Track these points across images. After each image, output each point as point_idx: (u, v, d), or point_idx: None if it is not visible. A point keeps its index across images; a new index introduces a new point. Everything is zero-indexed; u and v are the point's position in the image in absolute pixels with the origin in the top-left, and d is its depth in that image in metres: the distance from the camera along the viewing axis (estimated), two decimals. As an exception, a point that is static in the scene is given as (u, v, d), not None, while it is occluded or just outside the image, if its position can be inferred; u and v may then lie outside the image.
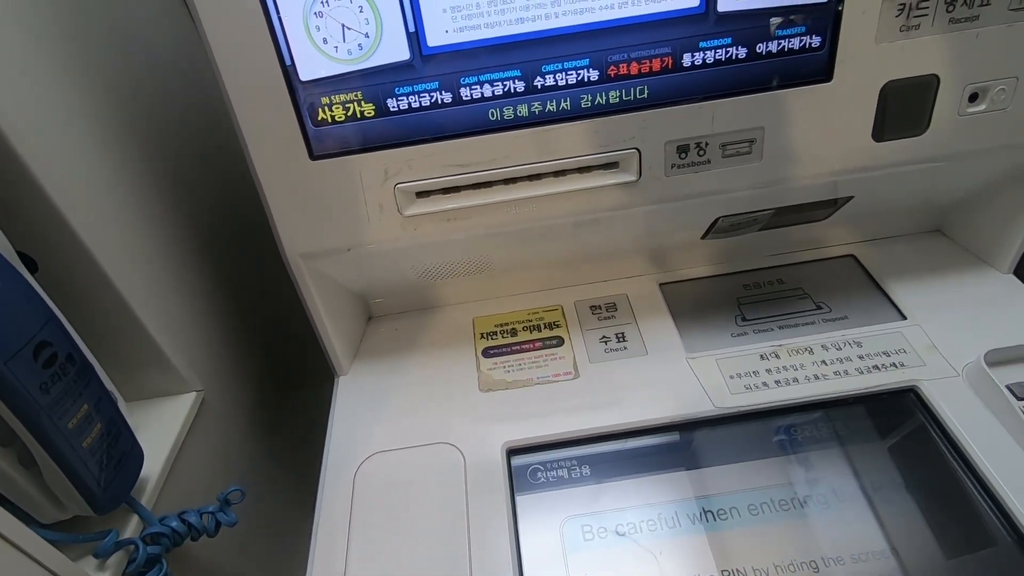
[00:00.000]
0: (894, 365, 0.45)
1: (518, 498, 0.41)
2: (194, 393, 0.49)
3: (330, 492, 0.42)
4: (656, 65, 0.38)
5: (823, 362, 0.46)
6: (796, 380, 0.45)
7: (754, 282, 0.54)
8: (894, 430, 0.44)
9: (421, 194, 0.42)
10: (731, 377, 0.46)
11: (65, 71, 0.40)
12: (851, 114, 0.41)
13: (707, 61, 0.38)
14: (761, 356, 0.47)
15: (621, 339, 0.50)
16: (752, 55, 0.39)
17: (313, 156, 0.40)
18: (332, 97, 0.38)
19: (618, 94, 0.39)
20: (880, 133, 0.42)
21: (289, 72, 0.37)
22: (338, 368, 0.51)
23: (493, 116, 0.39)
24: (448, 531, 0.39)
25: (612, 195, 0.43)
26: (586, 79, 0.38)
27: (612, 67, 0.38)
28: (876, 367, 0.45)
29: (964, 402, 0.42)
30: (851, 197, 0.48)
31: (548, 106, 0.39)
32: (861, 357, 0.46)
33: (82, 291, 0.40)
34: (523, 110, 0.39)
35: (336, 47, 0.36)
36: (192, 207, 0.54)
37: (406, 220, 0.42)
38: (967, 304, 0.49)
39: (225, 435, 0.55)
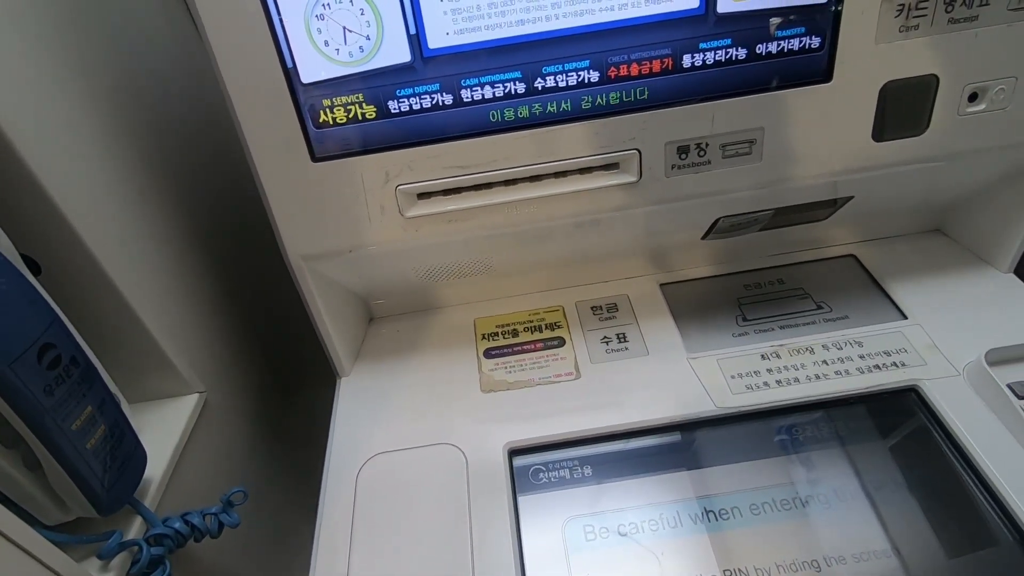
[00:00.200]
0: (895, 365, 0.45)
1: (520, 498, 0.42)
2: (196, 395, 0.49)
3: (332, 493, 0.42)
4: (656, 66, 0.38)
5: (824, 362, 0.46)
6: (797, 380, 0.45)
7: (755, 282, 0.54)
8: (895, 429, 0.44)
9: (422, 195, 0.42)
10: (732, 377, 0.46)
11: (68, 75, 0.40)
12: (851, 114, 0.41)
13: (707, 62, 0.39)
14: (762, 356, 0.47)
15: (622, 339, 0.50)
16: (752, 56, 0.39)
17: (315, 158, 0.40)
18: (333, 99, 0.38)
19: (618, 95, 0.39)
20: (880, 133, 0.42)
21: (290, 74, 0.37)
22: (340, 369, 0.51)
23: (494, 117, 0.39)
24: (450, 532, 0.39)
25: (613, 196, 0.43)
26: (587, 80, 0.39)
27: (612, 68, 0.38)
28: (877, 367, 0.45)
29: (965, 401, 0.42)
30: (851, 197, 0.48)
31: (549, 107, 0.39)
32: (862, 357, 0.46)
33: (85, 293, 0.41)
34: (524, 111, 0.39)
35: (337, 49, 0.37)
36: (193, 210, 0.54)
37: (407, 221, 0.43)
38: (968, 303, 0.49)
39: (227, 437, 0.55)
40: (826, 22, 0.38)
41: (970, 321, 0.47)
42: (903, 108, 0.41)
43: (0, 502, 0.30)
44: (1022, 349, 0.43)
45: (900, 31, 0.38)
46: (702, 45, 0.38)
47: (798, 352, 0.47)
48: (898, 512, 0.40)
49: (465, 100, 0.39)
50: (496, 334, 0.53)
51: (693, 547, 0.39)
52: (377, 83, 0.38)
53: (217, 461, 0.53)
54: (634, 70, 0.39)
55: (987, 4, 0.38)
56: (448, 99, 0.38)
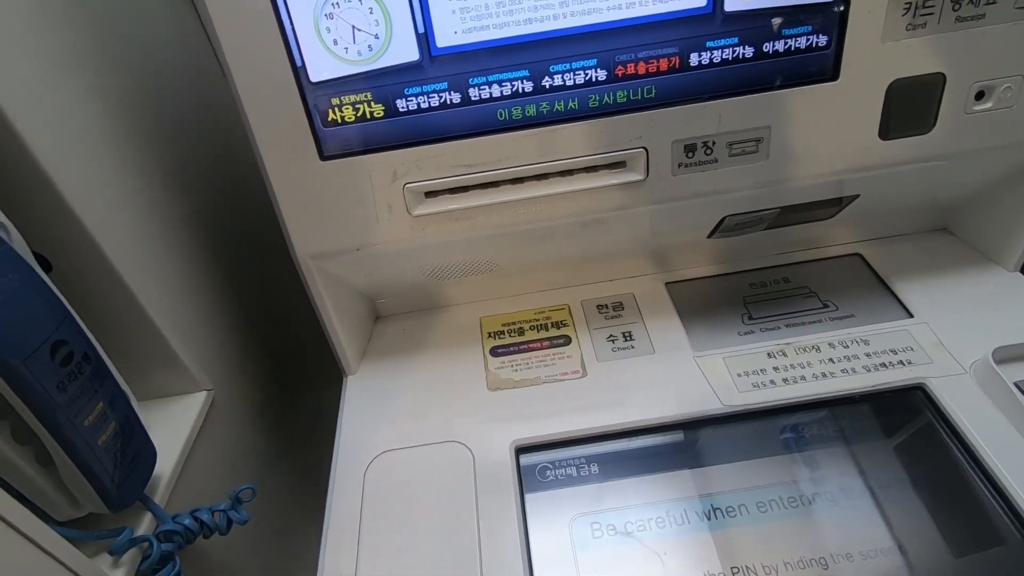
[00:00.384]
0: (901, 363, 0.45)
1: (527, 496, 0.42)
2: (204, 392, 0.49)
3: (340, 490, 0.43)
4: (663, 65, 0.39)
5: (830, 360, 0.46)
6: (804, 378, 0.45)
7: (760, 281, 0.54)
8: (902, 428, 0.44)
9: (430, 194, 0.42)
10: (738, 375, 0.46)
11: (80, 75, 0.41)
12: (857, 113, 0.41)
13: (714, 61, 0.39)
14: (768, 354, 0.47)
15: (628, 338, 0.50)
16: (759, 54, 0.39)
17: (323, 157, 0.40)
18: (342, 98, 0.38)
19: (625, 94, 0.39)
20: (886, 132, 0.42)
21: (299, 73, 0.37)
22: (347, 368, 0.51)
23: (501, 116, 0.39)
24: (458, 529, 0.39)
25: (619, 194, 0.43)
26: (594, 79, 0.39)
27: (620, 67, 0.38)
28: (883, 365, 0.45)
29: (972, 399, 0.42)
30: (857, 196, 0.48)
31: (556, 106, 0.39)
32: (868, 355, 0.46)
33: (95, 291, 0.41)
34: (531, 110, 0.39)
35: (346, 48, 0.37)
36: (202, 209, 0.54)
37: (415, 220, 0.43)
38: (974, 302, 0.49)
39: (235, 434, 0.56)
40: (833, 21, 0.38)
41: (977, 319, 0.47)
42: (910, 106, 0.41)
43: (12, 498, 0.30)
44: (1029, 347, 0.43)
45: (907, 29, 0.38)
46: (709, 44, 0.38)
47: (804, 350, 0.47)
48: (904, 510, 0.40)
49: (473, 99, 0.39)
50: (502, 332, 0.53)
51: (700, 544, 0.39)
52: (385, 82, 0.38)
53: (224, 459, 0.53)
54: (641, 69, 0.39)
55: (994, 2, 0.38)
56: (456, 98, 0.39)
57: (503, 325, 0.53)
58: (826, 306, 0.51)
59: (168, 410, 0.48)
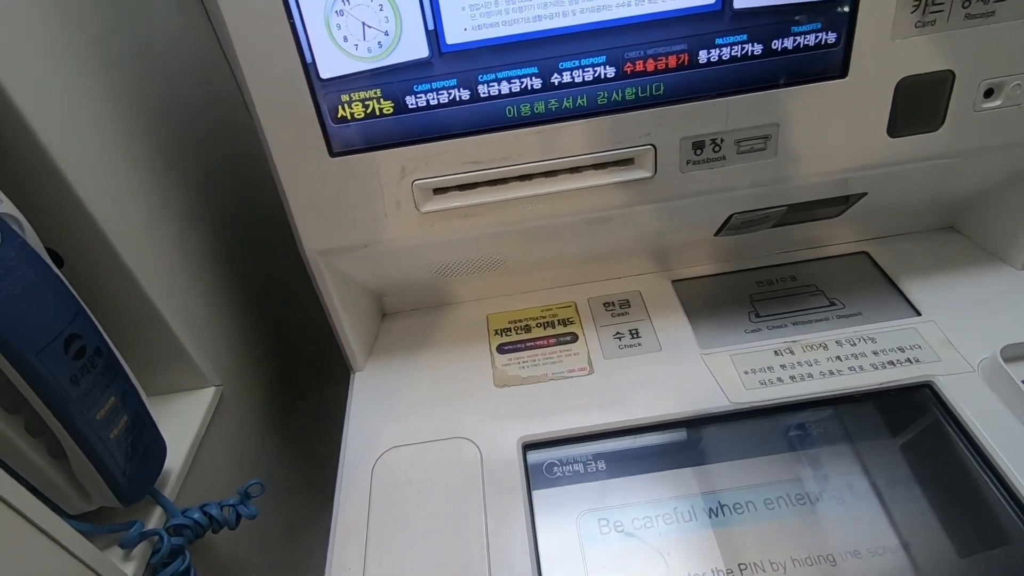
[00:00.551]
0: (909, 361, 0.45)
1: (534, 492, 0.42)
2: (213, 388, 0.50)
3: (348, 485, 0.43)
4: (672, 62, 0.39)
5: (838, 358, 0.46)
6: (811, 376, 0.45)
7: (767, 279, 0.54)
8: (909, 425, 0.44)
9: (438, 191, 0.43)
10: (745, 373, 0.46)
11: (91, 73, 0.41)
12: (866, 110, 0.41)
13: (723, 58, 0.39)
14: (775, 352, 0.47)
15: (635, 335, 0.50)
16: (768, 52, 0.39)
17: (332, 153, 0.40)
18: (351, 95, 0.38)
19: (634, 91, 0.39)
20: (895, 129, 0.42)
21: (309, 70, 0.37)
22: (354, 364, 0.51)
23: (510, 113, 0.40)
24: (466, 524, 0.39)
25: (627, 192, 0.43)
26: (603, 76, 0.39)
27: (628, 64, 0.39)
28: (891, 363, 0.45)
29: (980, 397, 0.42)
30: (864, 193, 0.48)
31: (565, 103, 0.40)
32: (876, 353, 0.46)
33: (105, 287, 0.41)
34: (540, 107, 0.40)
35: (356, 45, 0.37)
36: (211, 208, 0.55)
37: (423, 217, 0.43)
38: (982, 300, 0.49)
39: (243, 430, 0.56)
40: (842, 18, 0.38)
41: (984, 318, 0.47)
42: (918, 104, 0.41)
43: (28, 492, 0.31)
44: (1038, 345, 0.43)
45: (916, 27, 0.38)
46: (718, 41, 0.38)
47: (811, 348, 0.47)
48: (912, 508, 0.40)
49: (482, 96, 0.39)
50: (509, 330, 0.53)
51: (707, 541, 0.39)
52: (395, 78, 0.38)
53: (232, 455, 0.54)
54: (650, 66, 0.39)
55: None
56: (465, 95, 0.39)
57: (510, 322, 0.54)
58: (833, 304, 0.51)
59: (177, 406, 0.48)
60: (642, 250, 0.54)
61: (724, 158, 0.42)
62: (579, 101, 0.40)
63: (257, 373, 0.60)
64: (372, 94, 0.38)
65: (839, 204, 0.49)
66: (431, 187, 0.42)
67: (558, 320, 0.53)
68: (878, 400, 0.44)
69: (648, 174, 0.42)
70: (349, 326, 0.49)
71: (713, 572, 0.37)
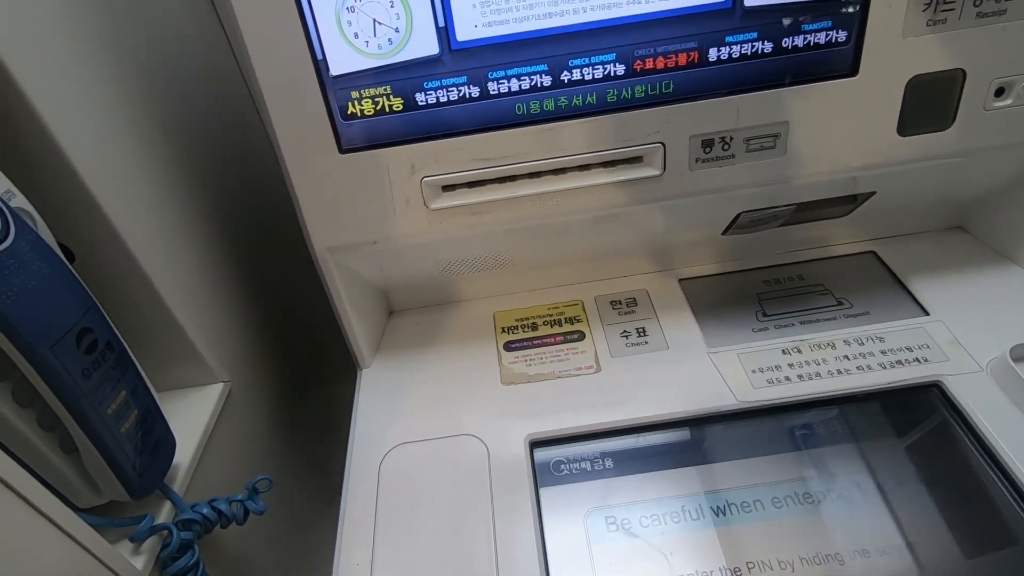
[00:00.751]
0: (917, 360, 0.45)
1: (541, 490, 0.42)
2: (221, 384, 0.50)
3: (356, 482, 0.43)
4: (682, 60, 0.39)
5: (845, 357, 0.46)
6: (819, 375, 0.45)
7: (774, 278, 0.54)
8: (918, 425, 0.44)
9: (447, 188, 0.43)
10: (753, 371, 0.46)
11: (105, 70, 0.41)
12: (876, 109, 0.41)
13: (733, 56, 0.39)
14: (783, 351, 0.47)
15: (642, 334, 0.50)
16: (778, 49, 0.39)
17: (342, 150, 0.40)
18: (361, 91, 0.39)
19: (644, 88, 0.39)
20: (904, 128, 0.42)
21: (320, 67, 0.37)
22: (361, 361, 0.51)
23: (519, 110, 0.40)
24: (473, 522, 0.39)
25: (636, 190, 0.43)
26: (612, 73, 0.39)
27: (638, 62, 0.39)
28: (899, 362, 0.45)
29: (989, 397, 0.42)
30: (873, 192, 0.48)
31: (574, 100, 0.40)
32: (884, 352, 0.46)
33: (116, 283, 0.41)
34: (549, 104, 0.40)
35: (367, 41, 0.37)
36: (220, 205, 0.55)
37: (432, 214, 0.43)
38: (990, 300, 0.49)
39: (251, 426, 0.56)
40: (853, 16, 0.38)
41: (993, 317, 0.47)
42: (929, 103, 0.41)
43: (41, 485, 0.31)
44: (1047, 345, 0.43)
45: (927, 25, 0.38)
46: (728, 39, 0.38)
47: (819, 347, 0.47)
48: (920, 507, 0.39)
49: (491, 93, 0.39)
50: (515, 327, 0.53)
51: (715, 540, 0.39)
52: (405, 75, 0.38)
53: (240, 450, 0.54)
54: (660, 63, 0.39)
55: (1015, -2, 0.38)
56: (475, 91, 0.39)
57: (516, 320, 0.54)
58: (841, 303, 0.51)
59: (185, 401, 0.48)
60: (650, 248, 0.54)
61: (733, 156, 0.42)
62: (588, 99, 0.40)
63: (265, 369, 0.60)
64: (382, 91, 0.39)
65: (847, 203, 0.49)
66: (440, 184, 0.42)
67: (565, 318, 0.53)
68: (886, 400, 0.44)
69: (657, 172, 0.42)
70: (356, 323, 0.49)
71: (721, 570, 0.37)
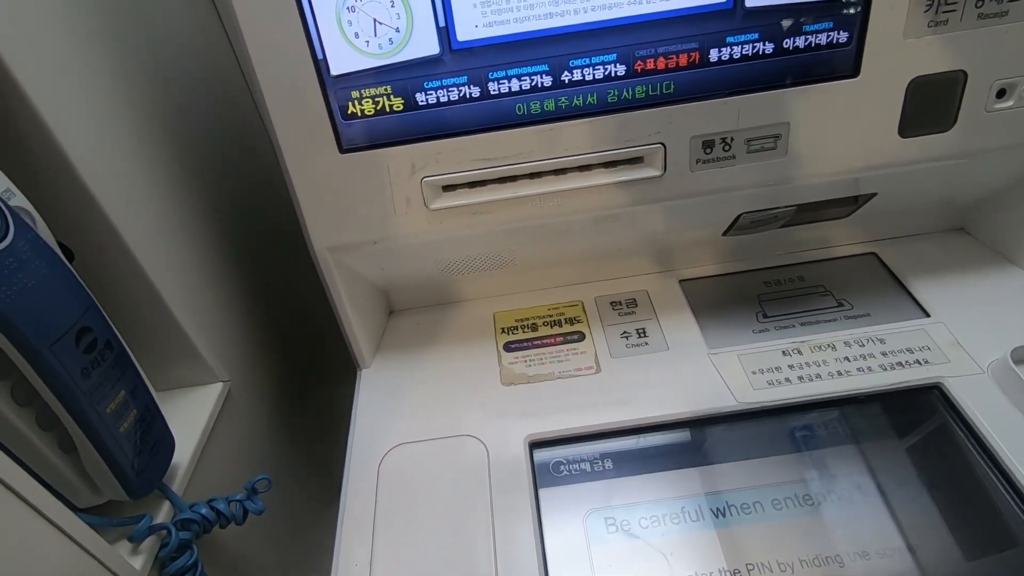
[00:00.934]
0: (918, 362, 0.45)
1: (541, 491, 0.42)
2: (221, 384, 0.50)
3: (355, 482, 0.43)
4: (683, 60, 0.39)
5: (846, 358, 0.46)
6: (819, 376, 0.45)
7: (774, 279, 0.54)
8: (918, 427, 0.43)
9: (447, 188, 0.43)
10: (753, 373, 0.46)
11: (106, 70, 0.41)
12: (877, 110, 0.41)
13: (734, 56, 0.39)
14: (783, 352, 0.47)
15: (642, 335, 0.50)
16: (779, 50, 0.39)
17: (342, 150, 0.40)
18: (362, 91, 0.39)
19: (644, 89, 0.39)
20: (906, 129, 0.42)
21: (320, 66, 0.37)
22: (361, 361, 0.51)
23: (520, 110, 0.40)
24: (472, 522, 0.39)
25: (636, 190, 0.43)
26: (613, 74, 0.39)
27: (639, 62, 0.39)
28: (900, 364, 0.45)
29: (990, 399, 0.42)
30: (874, 194, 0.48)
31: (575, 101, 0.40)
32: (884, 354, 0.46)
33: (116, 282, 0.41)
34: (550, 105, 0.40)
35: (367, 41, 0.37)
36: (220, 204, 0.55)
37: (432, 214, 0.43)
38: (991, 302, 0.48)
39: (250, 426, 0.56)
40: (854, 17, 0.38)
41: (994, 319, 0.47)
42: (930, 104, 0.41)
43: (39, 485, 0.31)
44: (1048, 347, 0.43)
45: (929, 26, 0.38)
46: (729, 39, 0.38)
47: (820, 349, 0.47)
48: (921, 510, 0.39)
49: (492, 93, 0.39)
50: (515, 328, 0.53)
51: (715, 541, 0.39)
52: (405, 75, 0.38)
53: (239, 450, 0.54)
54: (661, 64, 0.39)
55: (1017, -1, 0.38)
56: (475, 92, 0.39)
57: (516, 321, 0.54)
58: (841, 305, 0.50)
59: (185, 400, 0.48)
60: (650, 249, 0.54)
61: (734, 157, 0.42)
62: (589, 99, 0.40)
63: (265, 369, 0.60)
64: (382, 91, 0.39)
65: (848, 204, 0.49)
66: (440, 184, 0.42)
67: (565, 319, 0.53)
68: (887, 401, 0.44)
69: (657, 173, 0.42)
70: (356, 323, 0.49)
71: (720, 572, 0.37)
